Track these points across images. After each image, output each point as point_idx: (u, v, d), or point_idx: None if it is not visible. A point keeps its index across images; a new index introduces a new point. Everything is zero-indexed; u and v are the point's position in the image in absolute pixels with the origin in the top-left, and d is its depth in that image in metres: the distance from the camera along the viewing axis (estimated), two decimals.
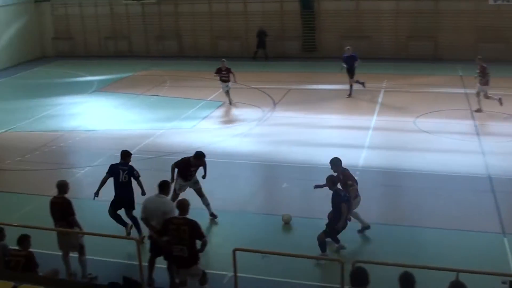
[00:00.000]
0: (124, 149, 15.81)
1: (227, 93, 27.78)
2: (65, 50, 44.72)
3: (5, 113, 27.77)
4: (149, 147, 22.60)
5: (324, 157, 20.40)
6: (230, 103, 27.85)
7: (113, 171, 15.18)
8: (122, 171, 15.11)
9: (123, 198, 15.10)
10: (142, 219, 12.91)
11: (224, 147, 22.25)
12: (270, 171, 20.20)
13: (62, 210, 13.10)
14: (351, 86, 28.54)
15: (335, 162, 15.39)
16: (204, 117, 26.15)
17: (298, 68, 36.97)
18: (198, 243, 11.66)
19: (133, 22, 42.65)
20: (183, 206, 11.71)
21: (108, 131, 25.01)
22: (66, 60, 42.90)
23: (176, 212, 11.86)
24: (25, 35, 43.21)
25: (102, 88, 32.93)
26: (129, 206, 15.14)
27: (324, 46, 39.61)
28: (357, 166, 19.60)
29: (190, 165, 16.22)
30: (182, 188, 16.24)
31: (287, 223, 15.73)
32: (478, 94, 25.48)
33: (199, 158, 16.18)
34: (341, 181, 14.81)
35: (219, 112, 27.28)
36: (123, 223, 15.18)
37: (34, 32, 44.45)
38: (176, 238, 11.52)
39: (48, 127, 25.01)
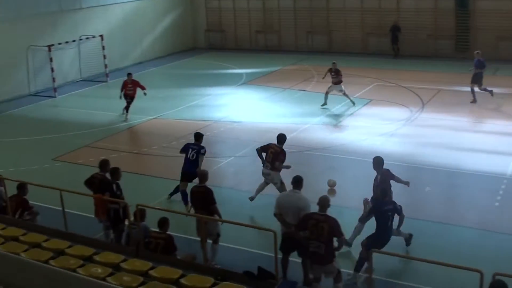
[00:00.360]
0: (197, 131, 17.58)
1: (344, 94, 27.27)
2: (216, 42, 45.84)
3: (155, 101, 28.83)
4: (292, 141, 22.55)
5: (470, 163, 19.85)
6: (353, 103, 27.34)
7: (185, 148, 16.94)
8: (192, 149, 16.69)
9: (186, 172, 16.52)
10: (275, 214, 12.78)
11: (367, 146, 21.92)
12: (413, 173, 19.62)
13: (203, 199, 13.45)
14: (472, 90, 27.03)
15: (379, 162, 14.82)
16: (350, 114, 25.96)
17: (450, 68, 35.80)
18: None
19: (284, 17, 42.98)
20: (324, 202, 11.71)
21: (253, 123, 25.39)
22: (217, 52, 44.00)
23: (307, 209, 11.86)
24: (179, 26, 44.73)
25: (250, 81, 33.47)
26: (189, 179, 16.34)
27: (478, 46, 38.04)
28: (505, 175, 18.84)
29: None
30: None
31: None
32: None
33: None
34: (377, 183, 14.45)
35: (366, 109, 26.91)
36: (186, 202, 16.18)
37: (188, 23, 45.93)
38: (314, 234, 11.53)
39: (196, 116, 25.75)
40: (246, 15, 44.27)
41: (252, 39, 44.67)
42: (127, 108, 26.25)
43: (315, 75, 34.09)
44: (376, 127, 24.20)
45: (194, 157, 16.51)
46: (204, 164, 18.23)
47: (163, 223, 12.47)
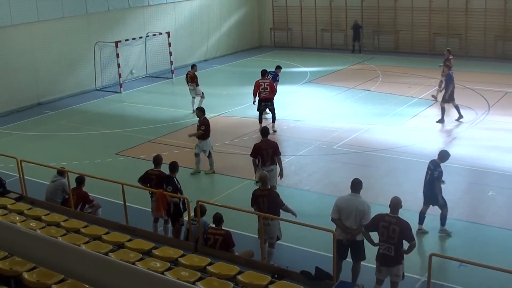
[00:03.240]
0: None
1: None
2: (282, 41, 45.92)
3: (220, 98, 29.10)
4: (355, 141, 22.62)
5: None
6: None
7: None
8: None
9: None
10: (333, 219, 12.64)
11: (431, 148, 21.63)
12: (477, 177, 19.37)
13: (269, 202, 13.37)
14: None
15: (445, 155, 15.28)
16: (414, 115, 25.66)
17: None
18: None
19: (350, 16, 42.63)
20: (396, 204, 11.63)
21: (316, 122, 25.35)
22: (282, 50, 44.08)
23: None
24: (245, 24, 44.99)
25: (315, 80, 33.44)
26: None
27: None
28: None
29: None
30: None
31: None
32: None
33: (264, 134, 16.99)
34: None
35: (430, 111, 26.51)
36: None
37: (254, 22, 46.15)
38: (384, 236, 11.50)
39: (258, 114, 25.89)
40: (312, 13, 44.15)
41: (318, 38, 44.58)
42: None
43: (380, 75, 33.86)
44: (440, 129, 23.91)
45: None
46: None
47: (219, 219, 12.59)
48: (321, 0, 43.53)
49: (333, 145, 22.19)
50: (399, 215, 11.58)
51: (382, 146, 22.06)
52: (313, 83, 32.79)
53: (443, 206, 15.24)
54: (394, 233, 11.35)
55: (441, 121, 24.49)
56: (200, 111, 20.07)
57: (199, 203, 12.65)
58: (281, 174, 16.82)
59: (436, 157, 15.40)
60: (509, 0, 37.42)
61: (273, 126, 23.67)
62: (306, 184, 18.67)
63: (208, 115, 26.19)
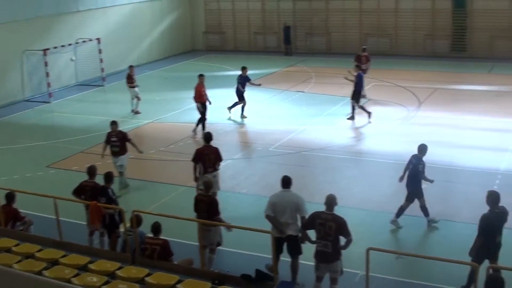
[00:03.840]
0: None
1: None
2: (215, 44, 45.84)
3: (153, 104, 28.82)
4: (290, 142, 22.74)
5: (465, 159, 19.97)
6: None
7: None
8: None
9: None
10: (267, 217, 12.68)
11: (365, 145, 22.06)
12: None
13: (208, 208, 13.27)
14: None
15: (424, 148, 15.69)
16: (347, 114, 25.92)
17: (446, 67, 35.88)
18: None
19: (283, 18, 42.86)
20: (331, 201, 11.69)
21: (251, 125, 25.38)
22: (215, 54, 43.99)
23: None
24: (177, 28, 44.76)
25: (249, 83, 33.30)
26: None
27: (474, 46, 38.28)
28: (499, 170, 19.09)
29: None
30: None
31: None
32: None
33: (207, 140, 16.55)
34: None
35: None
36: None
37: (186, 25, 45.96)
38: (321, 233, 11.55)
39: (194, 119, 25.56)
40: (245, 17, 44.28)
41: (251, 41, 44.67)
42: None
43: (313, 76, 34.13)
44: (373, 127, 24.22)
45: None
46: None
47: (157, 228, 12.39)
48: (253, 3, 43.70)
49: (269, 147, 22.23)
50: (335, 212, 11.63)
51: (317, 145, 22.23)
52: (247, 86, 32.67)
53: (420, 197, 15.58)
54: (330, 229, 11.43)
55: (351, 118, 25.08)
56: (114, 124, 18.86)
57: (135, 213, 12.45)
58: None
59: (416, 152, 15.78)
60: (436, 0, 38.24)
61: (194, 129, 23.64)
62: (243, 187, 18.64)
63: (141, 121, 26.15)
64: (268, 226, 12.68)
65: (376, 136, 23.13)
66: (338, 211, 11.73)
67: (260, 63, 39.36)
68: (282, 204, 12.57)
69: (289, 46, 41.96)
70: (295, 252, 12.82)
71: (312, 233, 11.97)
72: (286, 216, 12.50)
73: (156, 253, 12.05)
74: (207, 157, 16.14)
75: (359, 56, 29.40)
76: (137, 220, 12.56)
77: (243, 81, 26.17)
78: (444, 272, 12.78)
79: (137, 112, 27.35)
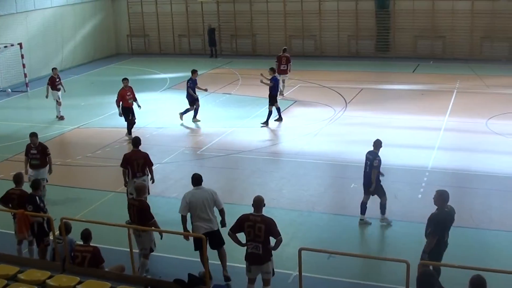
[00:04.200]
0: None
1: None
2: (139, 48, 45.47)
3: (78, 110, 28.38)
4: (219, 145, 22.75)
5: (394, 157, 20.37)
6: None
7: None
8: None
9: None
10: (183, 217, 12.91)
11: (293, 146, 22.24)
12: (339, 171, 20.06)
13: (139, 213, 13.13)
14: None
15: (379, 144, 15.83)
16: (275, 116, 26.09)
17: (371, 67, 36.60)
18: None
19: (207, 20, 42.90)
20: (259, 202, 11.67)
21: (178, 128, 25.27)
22: (140, 57, 43.66)
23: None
24: (101, 32, 44.14)
25: (175, 86, 33.30)
26: None
27: (398, 46, 39.17)
28: (427, 167, 19.53)
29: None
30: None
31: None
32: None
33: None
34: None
35: (291, 110, 27.22)
36: None
37: (110, 29, 45.40)
38: (251, 235, 11.55)
39: (120, 124, 25.32)
40: (169, 19, 44.02)
41: (175, 43, 44.48)
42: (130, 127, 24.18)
43: (239, 78, 34.24)
44: (301, 128, 24.45)
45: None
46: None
47: (87, 235, 12.22)
48: (177, 6, 43.49)
49: (197, 150, 22.21)
50: (264, 213, 11.66)
51: (245, 147, 22.31)
52: (173, 89, 32.65)
53: (383, 195, 15.77)
54: (260, 231, 11.43)
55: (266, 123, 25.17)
56: (34, 136, 17.64)
57: (63, 220, 12.26)
58: (152, 180, 16.54)
59: (372, 148, 15.95)
60: (359, 1, 38.90)
61: (127, 134, 23.43)
62: (173, 191, 18.52)
63: (67, 127, 25.71)
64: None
65: (304, 137, 23.35)
66: (269, 212, 11.82)
67: (186, 65, 39.21)
68: (197, 202, 12.80)
69: (214, 48, 41.99)
70: (218, 244, 13.08)
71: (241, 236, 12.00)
72: (205, 213, 12.78)
73: (86, 260, 11.88)
74: (135, 162, 15.95)
75: (280, 57, 29.79)
76: (66, 228, 12.37)
77: (193, 85, 25.78)
78: (375, 269, 13.03)
79: (61, 118, 26.87)
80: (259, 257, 11.59)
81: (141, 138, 16.87)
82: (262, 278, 11.86)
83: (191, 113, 25.72)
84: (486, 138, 22.49)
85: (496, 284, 10.84)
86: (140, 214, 13.10)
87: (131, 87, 23.86)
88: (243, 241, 11.84)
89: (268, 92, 25.11)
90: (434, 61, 37.22)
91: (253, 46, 42.43)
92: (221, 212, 12.96)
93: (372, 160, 15.63)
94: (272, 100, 25.03)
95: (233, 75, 35.37)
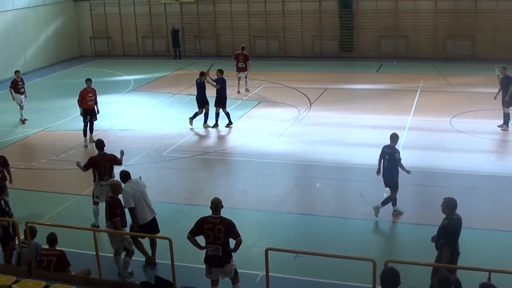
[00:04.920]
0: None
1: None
2: (103, 50, 45.21)
3: (41, 113, 28.12)
4: (184, 146, 22.73)
5: (358, 157, 20.59)
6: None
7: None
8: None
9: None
10: (130, 209, 13.48)
11: (258, 147, 22.31)
12: (305, 171, 20.18)
13: (108, 209, 13.27)
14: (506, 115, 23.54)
15: (396, 137, 16.40)
16: (240, 116, 26.17)
17: (335, 67, 36.90)
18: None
19: (171, 22, 42.81)
20: (217, 204, 11.64)
21: (144, 130, 25.19)
22: (103, 59, 43.42)
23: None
24: (63, 34, 43.77)
25: (139, 88, 33.20)
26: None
27: (362, 46, 39.53)
28: None
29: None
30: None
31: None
32: (239, 79, 30.42)
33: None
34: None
35: (255, 111, 27.31)
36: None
37: (73, 31, 45.05)
38: (211, 237, 11.50)
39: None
40: (132, 21, 43.83)
41: (139, 45, 44.31)
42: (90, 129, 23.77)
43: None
44: (266, 128, 24.53)
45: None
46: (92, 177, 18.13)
47: (52, 239, 12.15)
48: (140, 7, 43.33)
49: (162, 152, 22.15)
50: (223, 214, 11.64)
51: (211, 149, 22.37)
52: (138, 91, 32.54)
53: (395, 190, 15.98)
54: (220, 232, 11.41)
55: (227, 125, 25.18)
56: None
57: (28, 224, 12.18)
58: None
59: (389, 142, 16.24)
60: (323, 2, 39.17)
61: (91, 138, 23.30)
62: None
63: (30, 130, 25.48)
64: (170, 231, 12.68)
65: (269, 137, 23.42)
66: (235, 213, 11.85)
67: (150, 67, 39.19)
68: (138, 193, 13.60)
69: (178, 50, 41.93)
70: (157, 231, 13.84)
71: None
72: (145, 202, 13.68)
73: (52, 264, 11.82)
74: (102, 165, 15.90)
75: (237, 55, 30.35)
76: (31, 232, 12.29)
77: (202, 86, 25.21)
78: (342, 268, 13.11)
79: (24, 121, 26.62)
80: (220, 259, 11.55)
81: (104, 141, 16.78)
82: (229, 278, 11.90)
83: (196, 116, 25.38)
84: (450, 137, 22.82)
85: (462, 282, 11.06)
86: (109, 210, 13.22)
87: (94, 89, 23.62)
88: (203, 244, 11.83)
89: (216, 94, 25.04)
90: (398, 60, 37.63)
91: (217, 47, 42.45)
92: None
93: (393, 154, 15.87)
94: (219, 102, 24.94)
95: (197, 76, 35.15)
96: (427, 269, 11.44)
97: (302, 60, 39.22)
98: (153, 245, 13.98)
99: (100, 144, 16.45)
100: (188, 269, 13.21)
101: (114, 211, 13.16)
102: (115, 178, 15.72)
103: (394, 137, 16.26)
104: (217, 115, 24.98)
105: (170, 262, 11.37)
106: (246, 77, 30.52)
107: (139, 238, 13.70)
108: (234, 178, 19.54)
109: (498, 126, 23.15)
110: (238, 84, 30.40)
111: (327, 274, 13.19)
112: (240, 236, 11.53)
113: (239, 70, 30.20)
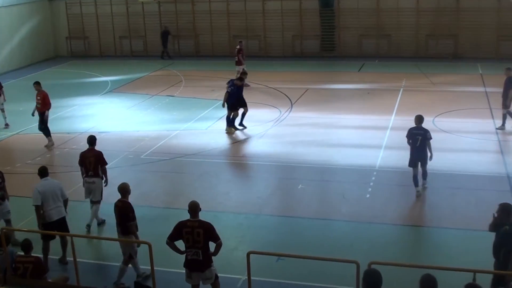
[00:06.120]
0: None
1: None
2: (79, 50, 44.96)
3: (17, 115, 27.83)
4: (163, 148, 22.63)
5: (341, 157, 20.63)
6: None
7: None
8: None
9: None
10: (35, 207, 13.86)
11: (240, 148, 22.31)
12: (286, 172, 20.18)
13: (120, 214, 13.24)
14: (503, 116, 23.42)
15: (422, 117, 17.59)
16: (220, 118, 26.07)
17: (316, 67, 37.00)
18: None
19: (149, 21, 42.71)
20: (194, 207, 11.57)
21: (122, 132, 25.08)
22: (80, 60, 43.20)
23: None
24: (38, 34, 43.50)
25: (116, 89, 33.07)
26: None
27: (343, 45, 39.61)
28: (375, 167, 19.75)
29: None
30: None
31: None
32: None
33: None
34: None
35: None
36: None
37: (48, 31, 44.77)
38: (190, 241, 11.44)
39: (60, 129, 25.09)
40: (109, 20, 43.64)
41: (116, 45, 44.13)
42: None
43: (182, 80, 34.16)
44: (247, 129, 24.50)
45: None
46: (71, 179, 18.02)
47: (27, 246, 12.01)
48: (117, 6, 43.15)
49: (141, 155, 22.05)
50: (201, 218, 11.58)
51: (191, 151, 22.26)
52: (115, 92, 32.39)
53: (426, 163, 17.51)
54: (199, 236, 11.35)
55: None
56: None
57: (4, 231, 12.07)
58: (105, 182, 16.57)
59: (415, 125, 17.43)
60: (303, 1, 39.21)
61: (49, 141, 23.20)
62: (116, 197, 18.18)
63: (5, 133, 25.29)
64: (149, 235, 12.60)
65: (250, 139, 23.43)
66: (216, 217, 11.82)
67: (127, 68, 39.03)
68: (49, 192, 13.97)
69: (166, 50, 41.69)
70: (67, 229, 14.16)
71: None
72: (54, 201, 13.99)
73: (29, 271, 11.68)
74: (87, 160, 16.21)
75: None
76: (6, 238, 12.17)
77: (236, 90, 24.28)
78: (325, 271, 13.12)
79: (7, 125, 26.36)
80: (200, 263, 11.52)
81: (81, 144, 16.74)
82: (209, 283, 11.85)
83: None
84: (433, 136, 22.71)
85: (446, 282, 11.05)
86: (122, 214, 13.15)
87: (43, 92, 23.35)
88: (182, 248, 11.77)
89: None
90: (380, 59, 37.77)
91: (196, 47, 42.37)
92: (65, 202, 14.34)
93: (425, 134, 17.16)
94: (236, 106, 24.42)
95: (175, 76, 35.27)
96: (410, 270, 11.43)
97: (282, 60, 39.26)
98: (63, 243, 14.16)
99: (90, 139, 16.77)
100: (168, 274, 13.15)
101: (127, 215, 13.13)
102: (93, 180, 15.76)
103: (420, 118, 17.44)
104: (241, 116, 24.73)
105: (150, 267, 11.31)
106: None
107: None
108: (215, 180, 19.46)
109: (497, 128, 23.27)
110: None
111: (310, 277, 13.20)
112: (220, 239, 11.48)
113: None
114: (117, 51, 44.09)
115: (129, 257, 13.22)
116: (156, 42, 42.40)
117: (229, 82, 24.41)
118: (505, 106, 22.94)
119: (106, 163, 16.53)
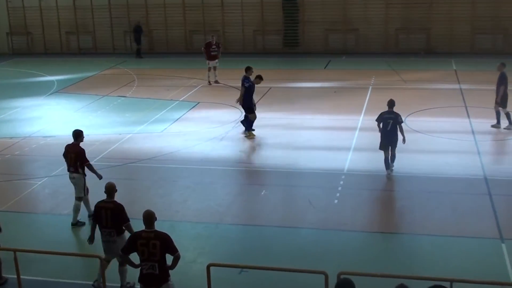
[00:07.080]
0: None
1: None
2: (22, 47, 44.54)
3: None
4: (115, 153, 22.45)
5: (307, 161, 20.66)
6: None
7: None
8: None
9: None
10: None
11: (197, 152, 22.18)
12: (248, 178, 20.21)
13: (112, 216, 13.00)
14: (497, 113, 23.63)
15: (393, 102, 19.19)
16: (176, 119, 26.04)
17: (279, 64, 37.14)
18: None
19: (98, 16, 42.42)
20: (149, 217, 11.45)
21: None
22: (22, 57, 42.78)
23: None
24: None
25: (63, 89, 32.76)
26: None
27: (308, 40, 39.78)
28: (343, 170, 19.80)
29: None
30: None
31: None
32: (209, 69, 31.99)
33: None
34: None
35: (193, 113, 27.17)
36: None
37: None
38: (145, 254, 11.32)
39: (1, 134, 24.79)
40: (54, 15, 43.29)
41: (63, 42, 43.75)
42: None
43: (135, 79, 33.99)
44: (206, 131, 24.45)
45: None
46: (15, 187, 17.80)
47: None
48: (63, 0, 42.77)
49: (91, 160, 21.62)
50: (158, 228, 11.49)
51: (145, 155, 22.11)
52: (61, 93, 32.08)
53: (396, 147, 19.04)
54: (155, 248, 11.23)
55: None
56: None
57: None
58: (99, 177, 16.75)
59: (387, 109, 18.98)
60: None
61: None
62: (64, 207, 18.09)
63: None
64: (101, 248, 12.46)
65: (209, 141, 23.32)
66: (172, 227, 11.74)
67: (75, 66, 38.73)
68: None
69: (139, 47, 41.11)
70: None
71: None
72: None
73: None
74: (69, 155, 16.69)
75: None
76: None
77: (250, 87, 24.09)
78: (291, 282, 13.12)
79: None
80: (156, 277, 11.39)
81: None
82: None
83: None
84: (406, 137, 23.03)
85: None
86: (115, 216, 12.97)
87: None
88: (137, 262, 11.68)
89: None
90: (347, 56, 38.04)
91: (150, 44, 42.19)
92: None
93: (396, 118, 18.72)
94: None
95: (128, 75, 35.08)
96: (382, 280, 11.49)
97: (243, 56, 39.16)
98: None
99: (74, 133, 17.06)
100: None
101: (122, 216, 13.01)
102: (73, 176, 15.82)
103: (392, 102, 19.03)
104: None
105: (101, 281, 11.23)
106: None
107: None
108: (171, 187, 19.35)
109: (492, 126, 23.51)
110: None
111: (275, 287, 13.19)
112: (178, 251, 11.41)
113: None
114: (63, 48, 43.73)
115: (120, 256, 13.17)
116: (105, 39, 42.24)
117: (246, 79, 24.10)
118: (497, 103, 23.22)
119: (86, 161, 16.74)
